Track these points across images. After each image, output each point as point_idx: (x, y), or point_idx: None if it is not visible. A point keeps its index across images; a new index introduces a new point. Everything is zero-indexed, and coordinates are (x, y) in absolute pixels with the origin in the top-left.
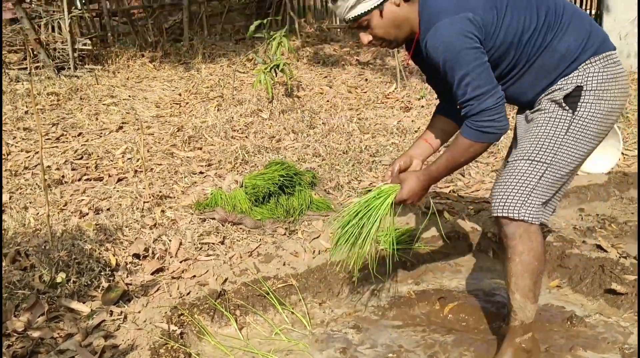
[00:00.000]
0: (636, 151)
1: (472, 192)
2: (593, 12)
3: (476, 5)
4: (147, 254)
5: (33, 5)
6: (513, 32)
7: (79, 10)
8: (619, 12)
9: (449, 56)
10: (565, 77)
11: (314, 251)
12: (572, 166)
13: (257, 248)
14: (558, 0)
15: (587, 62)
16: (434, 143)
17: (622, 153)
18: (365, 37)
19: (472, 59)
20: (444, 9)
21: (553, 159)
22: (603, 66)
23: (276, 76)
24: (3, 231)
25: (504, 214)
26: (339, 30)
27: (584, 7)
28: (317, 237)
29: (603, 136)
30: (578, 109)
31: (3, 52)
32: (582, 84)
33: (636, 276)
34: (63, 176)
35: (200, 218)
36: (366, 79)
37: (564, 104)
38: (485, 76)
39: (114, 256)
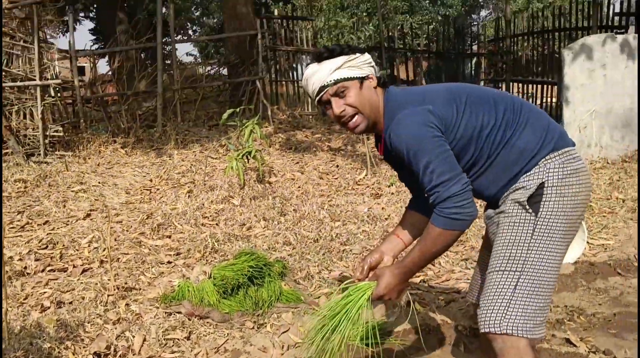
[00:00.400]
0: (602, 240)
1: (442, 282)
2: (554, 100)
3: (436, 100)
4: (108, 352)
5: (5, 93)
6: (472, 127)
7: (53, 97)
8: (577, 105)
9: (413, 145)
10: (527, 174)
11: (282, 347)
12: (548, 269)
13: (224, 343)
14: (515, 99)
15: (546, 157)
16: (406, 238)
17: (588, 243)
18: (338, 106)
19: (435, 147)
20: (406, 102)
21: (524, 266)
22: (562, 162)
23: (248, 162)
24: None
25: (487, 330)
26: (310, 117)
27: (545, 95)
28: (287, 330)
29: (572, 232)
30: (541, 209)
31: None
32: (543, 181)
33: None
34: (25, 268)
35: (166, 312)
36: (337, 166)
37: (527, 206)
38: (449, 163)
39: (73, 355)
